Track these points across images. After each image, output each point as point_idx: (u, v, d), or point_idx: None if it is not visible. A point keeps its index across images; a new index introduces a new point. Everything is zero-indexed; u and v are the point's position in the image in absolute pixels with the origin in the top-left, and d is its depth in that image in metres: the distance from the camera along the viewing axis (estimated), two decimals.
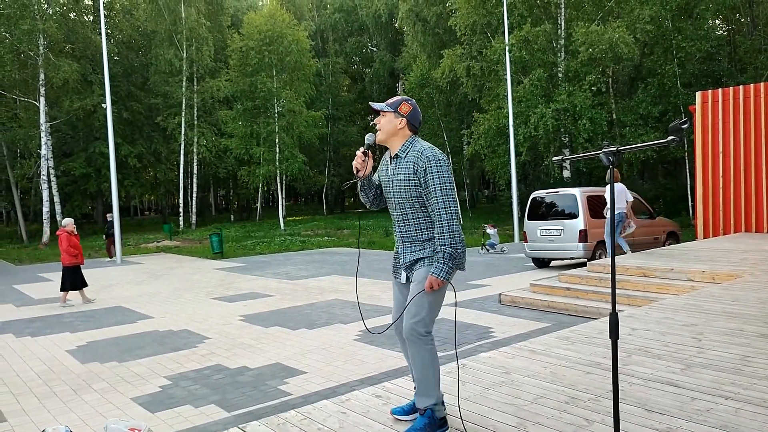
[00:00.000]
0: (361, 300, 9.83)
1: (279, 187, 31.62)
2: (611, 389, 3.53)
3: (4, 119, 28.32)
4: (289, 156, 29.65)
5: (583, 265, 11.10)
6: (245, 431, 3.15)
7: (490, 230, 16.95)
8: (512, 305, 8.84)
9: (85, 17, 31.63)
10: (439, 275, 2.81)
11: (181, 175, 31.71)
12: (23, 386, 5.82)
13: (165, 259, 18.77)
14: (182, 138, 30.75)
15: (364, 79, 41.30)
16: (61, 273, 10.83)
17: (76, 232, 11.06)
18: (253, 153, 29.53)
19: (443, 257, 2.81)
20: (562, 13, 22.27)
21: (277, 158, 29.37)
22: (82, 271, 11.01)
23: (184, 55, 30.32)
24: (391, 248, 18.07)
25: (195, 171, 32.90)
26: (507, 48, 20.64)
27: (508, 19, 20.97)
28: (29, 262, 19.62)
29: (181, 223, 31.57)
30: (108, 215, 20.54)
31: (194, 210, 33.31)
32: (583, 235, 11.83)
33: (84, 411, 5.02)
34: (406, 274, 3.05)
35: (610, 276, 8.46)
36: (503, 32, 21.27)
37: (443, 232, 2.82)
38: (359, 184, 3.10)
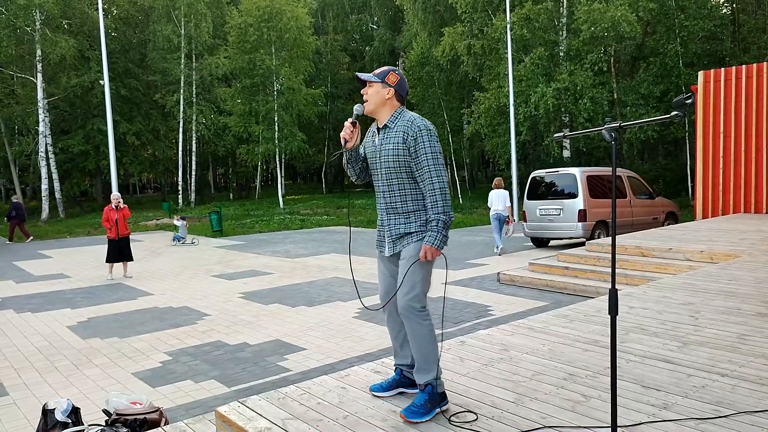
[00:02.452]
0: (361, 278, 9.87)
1: (278, 166, 31.53)
2: (608, 366, 3.57)
3: (1, 96, 28.09)
4: (288, 134, 29.49)
5: (582, 244, 11.14)
6: (246, 405, 3.18)
7: (177, 222, 16.89)
8: (511, 284, 8.88)
9: None
10: (433, 244, 2.82)
11: (180, 153, 31.57)
12: (24, 361, 5.86)
13: (164, 237, 18.78)
14: (181, 115, 30.54)
15: (364, 57, 40.95)
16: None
17: (121, 206, 10.84)
18: (252, 131, 29.36)
19: (437, 225, 2.83)
20: None
21: (276, 136, 29.21)
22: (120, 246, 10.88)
23: (183, 31, 29.97)
24: None
25: (194, 149, 32.75)
26: (508, 26, 20.42)
27: None
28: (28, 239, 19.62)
29: (180, 201, 31.51)
30: (13, 197, 20.57)
31: (193, 188, 33.23)
32: (582, 215, 11.84)
33: (85, 385, 5.06)
34: (391, 248, 3.04)
35: (608, 255, 8.51)
36: (504, 10, 21.03)
37: (436, 201, 2.84)
38: (346, 155, 3.09)
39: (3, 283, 10.92)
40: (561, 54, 21.88)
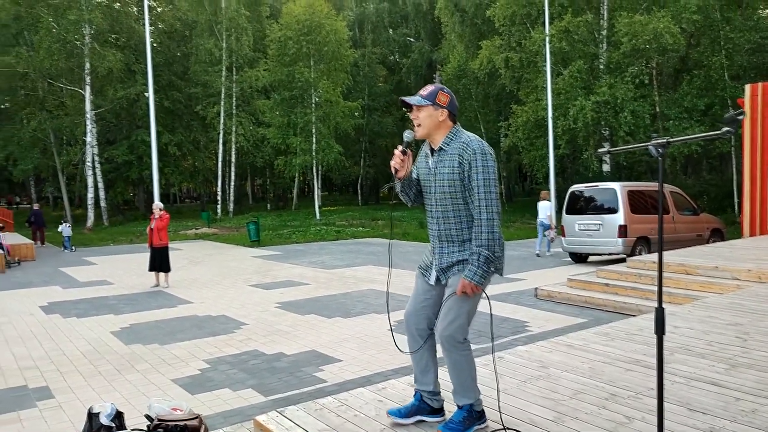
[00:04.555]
0: (397, 291, 9.83)
1: (315, 177, 31.84)
2: (652, 387, 3.47)
3: (51, 107, 29.21)
4: (325, 146, 29.78)
5: (622, 260, 10.90)
6: (284, 415, 3.21)
7: (63, 227, 16.81)
8: (549, 300, 8.74)
9: (129, 7, 32.28)
10: (472, 279, 2.66)
11: (219, 163, 32.21)
12: (70, 365, 6.03)
13: (203, 246, 19.15)
14: (221, 127, 31.20)
15: (401, 69, 41.16)
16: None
17: (156, 215, 10.92)
18: (290, 143, 29.75)
19: (478, 260, 2.67)
20: (605, 3, 21.72)
21: (314, 148, 29.55)
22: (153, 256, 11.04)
23: (224, 45, 30.69)
24: (424, 240, 18.00)
25: (233, 160, 33.37)
26: (547, 39, 20.27)
27: (548, 9, 20.57)
28: (75, 246, 20.24)
29: (219, 210, 32.10)
30: (35, 205, 21.61)
31: (232, 198, 33.81)
32: (623, 231, 11.59)
33: (127, 390, 5.18)
34: (438, 276, 2.87)
35: (650, 272, 8.30)
36: (543, 23, 20.89)
37: (481, 233, 2.68)
38: (398, 185, 2.90)
39: (50, 288, 11.28)
40: (601, 67, 21.59)
